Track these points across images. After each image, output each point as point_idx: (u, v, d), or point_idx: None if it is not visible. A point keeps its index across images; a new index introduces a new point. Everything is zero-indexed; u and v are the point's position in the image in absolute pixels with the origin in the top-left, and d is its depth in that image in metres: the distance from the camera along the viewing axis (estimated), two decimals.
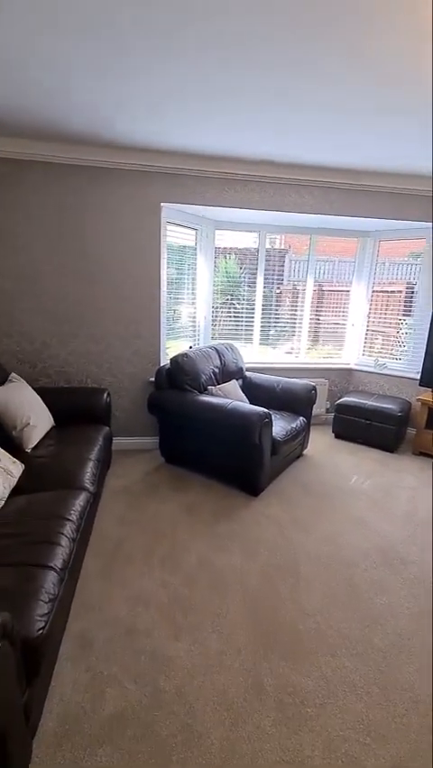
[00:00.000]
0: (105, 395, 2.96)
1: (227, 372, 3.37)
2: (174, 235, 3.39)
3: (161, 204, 3.08)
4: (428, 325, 3.60)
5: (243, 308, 4.05)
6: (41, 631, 1.18)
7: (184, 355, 3.04)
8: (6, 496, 1.85)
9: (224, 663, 1.54)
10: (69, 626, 1.66)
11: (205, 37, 1.53)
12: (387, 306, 4.22)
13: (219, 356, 3.36)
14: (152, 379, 3.21)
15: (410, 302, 4.03)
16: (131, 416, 3.40)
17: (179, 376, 2.97)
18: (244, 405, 2.82)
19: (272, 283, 4.07)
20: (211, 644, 1.62)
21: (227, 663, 1.54)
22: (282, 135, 2.51)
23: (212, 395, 2.99)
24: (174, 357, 3.03)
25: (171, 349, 3.57)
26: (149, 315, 3.25)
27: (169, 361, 3.07)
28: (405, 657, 1.60)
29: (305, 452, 3.52)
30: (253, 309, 4.04)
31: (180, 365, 2.98)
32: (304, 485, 2.96)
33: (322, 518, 2.54)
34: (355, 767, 1.22)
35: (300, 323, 4.21)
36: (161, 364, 3.25)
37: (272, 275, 4.03)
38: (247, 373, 3.63)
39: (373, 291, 4.19)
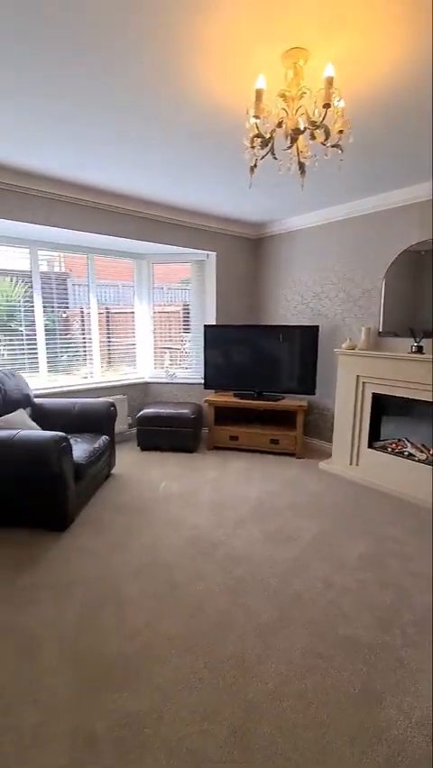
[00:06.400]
0: None
1: (11, 401, 2.94)
2: None
3: None
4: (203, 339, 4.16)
5: (23, 336, 3.65)
6: None
7: None
8: None
9: (44, 736, 1.29)
10: None
11: None
12: (170, 324, 4.64)
13: None
14: None
15: (188, 320, 4.56)
16: None
17: None
18: (36, 432, 2.52)
19: (55, 308, 3.84)
20: (27, 720, 1.33)
21: (49, 734, 1.30)
22: (41, 149, 2.42)
23: None
24: None
25: None
26: None
27: None
28: (227, 630, 1.73)
29: (113, 471, 3.43)
30: (35, 336, 3.69)
31: None
32: (116, 505, 2.87)
33: (137, 532, 2.51)
34: (197, 756, 1.23)
35: (91, 346, 4.12)
36: None
37: (53, 299, 3.80)
38: (37, 400, 3.26)
39: (155, 312, 4.52)
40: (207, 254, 4.32)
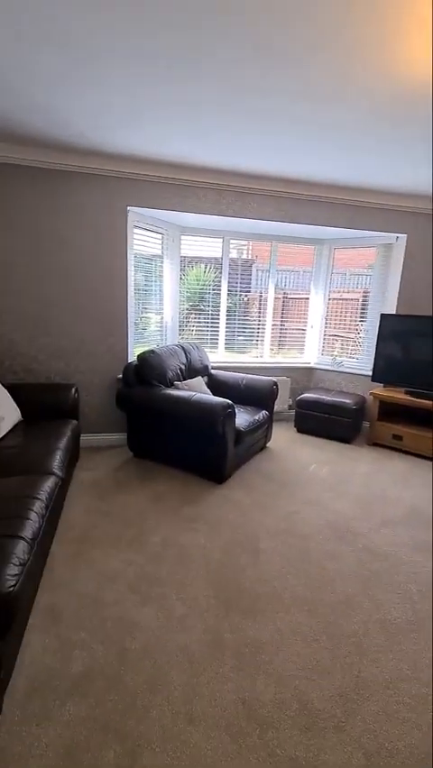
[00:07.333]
0: (74, 390, 3.03)
1: (193, 369, 3.52)
2: (142, 240, 3.54)
3: (128, 207, 3.23)
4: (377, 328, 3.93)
5: (209, 315, 4.23)
6: (12, 588, 1.26)
7: (151, 352, 3.17)
8: None
9: (186, 624, 1.66)
10: (37, 599, 1.73)
11: (174, 52, 1.72)
12: (346, 311, 4.54)
13: (185, 353, 3.51)
14: (120, 376, 3.32)
15: (366, 308, 4.36)
16: (99, 413, 3.47)
17: (147, 371, 3.09)
18: (209, 396, 2.98)
19: (238, 292, 4.29)
20: (175, 610, 1.73)
21: (190, 624, 1.66)
22: (239, 148, 2.74)
23: (178, 389, 3.13)
24: (141, 354, 3.15)
25: None
26: (117, 313, 3.37)
27: (136, 358, 3.19)
28: (351, 611, 1.77)
29: (268, 444, 3.70)
30: (218, 316, 4.23)
31: (148, 361, 3.11)
32: (266, 473, 3.13)
33: (281, 501, 2.71)
34: (302, 697, 1.37)
35: (264, 330, 4.44)
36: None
37: (237, 283, 4.24)
38: (212, 371, 3.79)
39: (331, 298, 4.49)
40: (397, 236, 4.00)
